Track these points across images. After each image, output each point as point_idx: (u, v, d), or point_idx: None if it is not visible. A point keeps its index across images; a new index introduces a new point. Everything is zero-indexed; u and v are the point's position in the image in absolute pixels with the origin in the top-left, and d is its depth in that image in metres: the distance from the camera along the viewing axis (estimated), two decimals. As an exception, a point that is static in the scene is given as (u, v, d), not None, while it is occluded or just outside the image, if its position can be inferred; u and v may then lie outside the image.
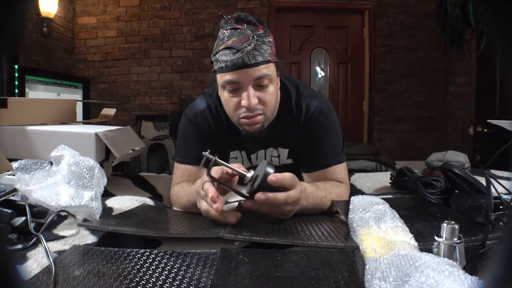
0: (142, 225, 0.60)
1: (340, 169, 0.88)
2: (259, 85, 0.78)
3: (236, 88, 0.79)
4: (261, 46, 0.77)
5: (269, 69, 0.79)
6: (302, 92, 0.91)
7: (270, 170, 0.62)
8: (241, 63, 0.75)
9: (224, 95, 0.82)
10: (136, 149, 1.02)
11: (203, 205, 0.66)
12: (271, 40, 0.81)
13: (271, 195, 0.62)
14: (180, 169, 0.90)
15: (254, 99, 0.77)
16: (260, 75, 0.77)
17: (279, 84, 0.87)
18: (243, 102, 0.78)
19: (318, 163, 0.87)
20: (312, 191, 0.75)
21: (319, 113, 0.88)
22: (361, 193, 0.98)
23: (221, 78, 0.79)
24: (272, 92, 0.81)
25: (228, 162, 0.67)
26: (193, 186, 0.77)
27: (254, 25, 0.81)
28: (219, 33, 0.82)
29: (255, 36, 0.78)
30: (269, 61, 0.78)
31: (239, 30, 0.79)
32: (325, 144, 0.87)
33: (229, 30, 0.80)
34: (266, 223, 0.64)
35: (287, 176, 0.64)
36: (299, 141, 0.90)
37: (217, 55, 0.79)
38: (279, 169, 0.92)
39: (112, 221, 0.60)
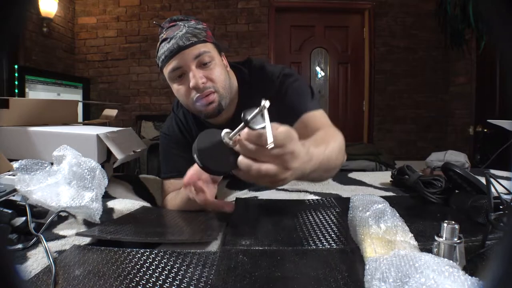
0: (141, 230, 0.60)
1: (319, 116, 0.84)
2: (201, 63, 0.80)
3: (181, 74, 0.81)
4: (193, 30, 0.80)
5: (207, 47, 0.81)
6: (253, 65, 0.93)
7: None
8: (176, 47, 0.78)
9: (174, 87, 0.84)
10: (137, 150, 1.02)
11: (191, 195, 0.67)
12: (205, 26, 0.85)
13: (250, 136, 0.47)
14: (166, 184, 0.91)
15: (201, 78, 0.79)
16: (198, 52, 0.79)
17: (227, 65, 0.89)
18: (191, 83, 0.79)
19: (294, 114, 0.83)
20: (313, 149, 0.59)
21: (273, 74, 0.89)
22: (362, 184, 0.98)
23: (166, 70, 0.82)
24: (219, 70, 0.82)
25: None
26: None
27: (186, 20, 0.84)
28: (159, 39, 0.86)
29: (186, 25, 0.81)
30: (205, 41, 0.81)
31: (172, 27, 0.83)
32: (293, 96, 0.87)
33: (164, 31, 0.84)
34: (265, 226, 0.64)
35: (280, 131, 0.47)
36: (272, 110, 0.88)
37: (158, 53, 0.82)
38: None
39: (110, 228, 0.60)
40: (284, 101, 0.86)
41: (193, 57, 0.79)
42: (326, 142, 0.67)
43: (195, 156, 0.50)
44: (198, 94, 0.80)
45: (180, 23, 0.82)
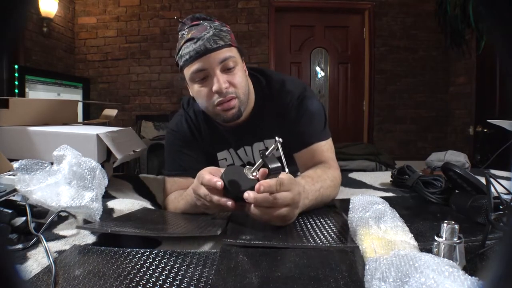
0: (141, 226, 0.60)
1: (327, 147, 0.88)
2: (226, 68, 0.79)
3: (204, 77, 0.80)
4: (220, 33, 0.79)
5: (232, 52, 0.81)
6: (272, 78, 0.92)
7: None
8: (203, 49, 0.77)
9: (195, 88, 0.83)
10: (137, 150, 1.02)
11: (202, 190, 0.64)
12: (229, 29, 0.84)
13: (259, 195, 0.57)
14: (169, 182, 0.90)
15: (224, 82, 0.78)
16: (225, 57, 0.78)
17: (246, 71, 0.88)
18: (214, 87, 0.78)
19: (305, 142, 0.86)
20: (310, 186, 0.72)
21: (293, 95, 0.88)
22: (363, 184, 0.98)
23: (188, 71, 0.81)
24: (241, 75, 0.82)
25: (218, 166, 0.67)
26: (189, 189, 0.76)
27: (210, 20, 0.83)
28: (179, 36, 0.85)
29: (212, 26, 0.80)
30: (230, 45, 0.80)
31: (196, 25, 0.82)
32: (308, 122, 0.87)
33: (187, 29, 0.82)
34: (265, 225, 0.64)
35: (272, 184, 0.57)
36: (283, 127, 0.89)
37: (180, 52, 0.81)
38: None
39: (111, 223, 0.60)
40: (298, 126, 0.87)
41: (220, 61, 0.78)
42: (323, 180, 0.76)
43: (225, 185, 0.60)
44: (220, 99, 0.80)
45: (206, 23, 0.81)
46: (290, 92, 0.89)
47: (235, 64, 0.81)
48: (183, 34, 0.82)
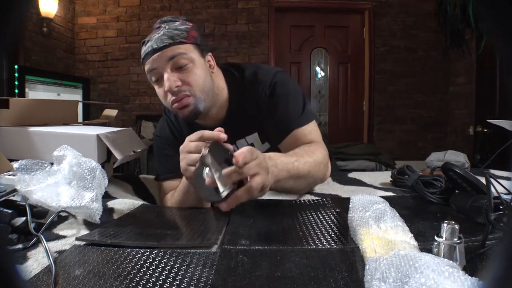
0: (141, 232, 0.60)
1: (309, 130, 0.86)
2: (177, 66, 0.79)
3: (158, 78, 0.81)
4: (171, 32, 0.79)
5: (185, 49, 0.80)
6: (244, 71, 0.90)
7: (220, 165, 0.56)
8: (151, 50, 0.79)
9: (156, 89, 0.85)
10: (137, 151, 1.02)
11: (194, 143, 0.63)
12: (189, 26, 0.83)
13: (236, 196, 0.56)
14: (163, 186, 0.91)
15: (174, 82, 0.78)
16: (172, 54, 0.78)
17: (214, 66, 0.87)
18: (165, 87, 0.78)
19: (284, 129, 0.85)
20: (279, 157, 0.70)
21: (265, 84, 0.87)
22: (363, 184, 0.98)
23: (147, 73, 0.83)
24: (197, 73, 0.81)
25: None
26: (181, 182, 0.79)
27: (172, 21, 0.83)
28: None
29: (166, 26, 0.81)
30: (181, 42, 0.80)
31: (156, 29, 0.83)
32: (283, 109, 0.85)
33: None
34: (265, 226, 0.64)
35: (244, 152, 0.55)
36: (262, 120, 0.88)
37: (142, 57, 0.83)
38: None
39: (110, 231, 0.60)
40: (275, 115, 0.85)
41: (167, 59, 0.78)
42: (299, 155, 0.75)
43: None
44: (173, 97, 0.80)
45: (163, 25, 0.82)
46: (261, 82, 0.87)
47: (189, 61, 0.80)
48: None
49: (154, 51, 0.79)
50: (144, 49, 0.81)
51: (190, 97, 0.80)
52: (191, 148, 0.63)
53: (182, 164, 0.64)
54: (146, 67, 0.82)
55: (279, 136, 0.86)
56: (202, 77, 0.82)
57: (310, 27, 3.71)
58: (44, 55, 3.07)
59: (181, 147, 0.65)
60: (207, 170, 0.55)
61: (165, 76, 0.78)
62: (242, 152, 0.55)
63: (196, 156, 0.61)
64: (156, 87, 0.84)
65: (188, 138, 0.65)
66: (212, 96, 0.84)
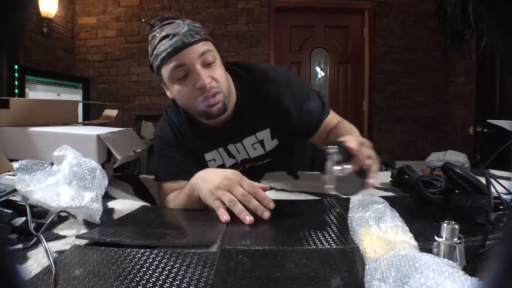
0: (141, 231, 0.60)
1: (332, 114, 0.95)
2: (205, 62, 0.78)
3: (184, 75, 0.77)
4: (194, 28, 0.78)
5: (210, 46, 0.79)
6: (253, 69, 0.91)
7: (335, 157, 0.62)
8: (181, 44, 0.75)
9: (175, 88, 0.80)
10: (138, 151, 1.02)
11: (241, 189, 0.66)
12: (201, 25, 0.83)
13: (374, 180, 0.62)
14: (163, 187, 0.90)
15: (207, 77, 0.76)
16: (203, 50, 0.77)
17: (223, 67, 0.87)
18: (199, 84, 0.76)
19: (317, 122, 0.91)
20: (352, 132, 0.85)
21: (280, 83, 0.88)
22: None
23: (167, 69, 0.78)
24: (221, 70, 0.81)
25: (207, 167, 0.67)
26: (188, 184, 0.77)
27: (180, 19, 0.82)
28: (149, 38, 0.82)
29: (184, 23, 0.79)
30: (206, 39, 0.79)
31: (168, 24, 0.80)
32: (310, 104, 0.91)
33: (158, 30, 0.80)
34: (265, 226, 0.64)
35: (353, 140, 0.61)
36: (275, 117, 0.90)
37: (155, 51, 0.78)
38: (266, 157, 0.95)
39: (110, 229, 0.60)
40: (303, 112, 0.90)
41: (199, 54, 0.76)
42: (353, 130, 0.89)
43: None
44: (204, 94, 0.78)
45: (178, 21, 0.80)
46: (275, 80, 0.88)
47: (214, 58, 0.79)
48: (154, 34, 0.80)
49: (185, 45, 0.75)
50: (171, 43, 0.75)
51: (220, 94, 0.79)
52: (238, 195, 0.65)
53: (224, 200, 0.66)
54: (173, 63, 0.76)
55: (312, 129, 0.92)
56: (223, 75, 0.82)
57: (310, 27, 3.71)
58: (44, 55, 3.07)
59: (225, 185, 0.66)
60: (336, 167, 0.60)
61: (199, 71, 0.76)
62: (353, 142, 0.60)
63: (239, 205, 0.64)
64: (176, 86, 0.79)
65: (238, 182, 0.66)
66: (230, 94, 0.86)
